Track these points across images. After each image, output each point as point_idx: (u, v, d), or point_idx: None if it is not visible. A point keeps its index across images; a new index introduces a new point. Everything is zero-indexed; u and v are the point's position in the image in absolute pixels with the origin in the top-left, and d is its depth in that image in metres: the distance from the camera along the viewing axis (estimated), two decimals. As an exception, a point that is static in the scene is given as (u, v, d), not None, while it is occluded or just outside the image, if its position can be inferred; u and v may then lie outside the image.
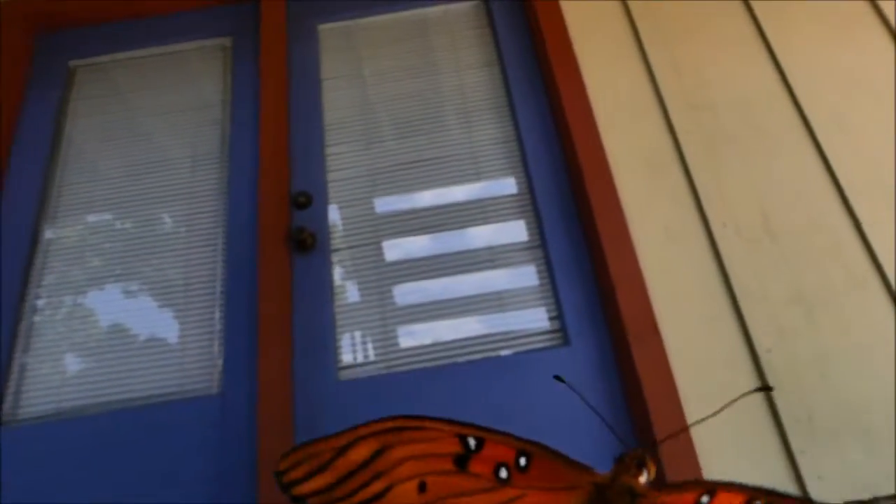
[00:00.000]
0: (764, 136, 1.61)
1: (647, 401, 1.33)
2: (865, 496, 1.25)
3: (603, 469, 1.38)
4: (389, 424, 0.13)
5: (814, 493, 1.24)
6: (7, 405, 1.55)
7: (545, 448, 0.13)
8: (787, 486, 1.27)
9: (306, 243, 1.66)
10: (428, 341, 1.64)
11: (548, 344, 1.54)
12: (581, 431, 1.41)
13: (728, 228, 1.50)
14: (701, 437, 1.31)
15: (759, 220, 1.50)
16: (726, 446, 1.31)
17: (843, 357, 1.36)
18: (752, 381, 1.36)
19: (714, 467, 1.28)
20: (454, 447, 0.15)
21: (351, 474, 0.14)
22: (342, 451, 0.15)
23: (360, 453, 0.14)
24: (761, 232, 1.48)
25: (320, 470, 0.14)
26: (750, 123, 1.63)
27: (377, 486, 0.13)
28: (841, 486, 1.26)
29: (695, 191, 1.55)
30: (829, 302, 1.42)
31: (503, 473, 0.14)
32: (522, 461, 0.14)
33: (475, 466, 0.14)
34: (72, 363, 1.59)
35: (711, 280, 1.46)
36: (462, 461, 0.15)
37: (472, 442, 0.15)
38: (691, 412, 1.33)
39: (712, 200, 1.53)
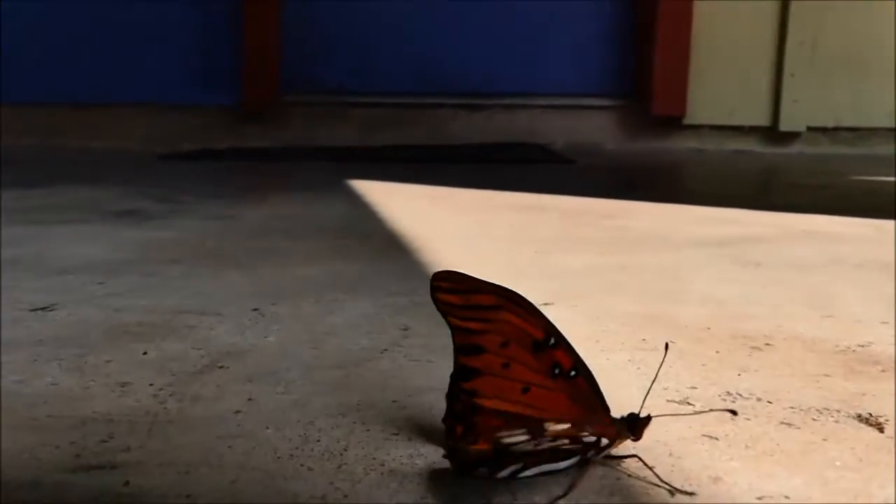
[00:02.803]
0: None
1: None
2: (829, 124, 1.36)
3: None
4: (511, 294, 0.21)
5: (784, 114, 1.35)
6: None
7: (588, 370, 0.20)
8: (763, 103, 1.35)
9: None
10: None
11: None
12: (590, 41, 1.43)
13: None
14: (699, 68, 1.33)
15: None
16: (721, 63, 1.35)
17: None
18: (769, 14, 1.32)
19: (703, 97, 1.35)
20: (538, 333, 0.23)
21: (470, 307, 0.22)
22: (475, 291, 0.22)
23: (484, 299, 0.22)
24: None
25: (455, 292, 0.23)
26: None
27: (478, 325, 0.22)
28: (811, 112, 1.36)
29: None
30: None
31: (556, 371, 0.22)
32: (573, 373, 0.22)
33: (542, 357, 0.21)
34: None
35: None
36: (538, 347, 0.23)
37: (552, 340, 0.22)
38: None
39: None
